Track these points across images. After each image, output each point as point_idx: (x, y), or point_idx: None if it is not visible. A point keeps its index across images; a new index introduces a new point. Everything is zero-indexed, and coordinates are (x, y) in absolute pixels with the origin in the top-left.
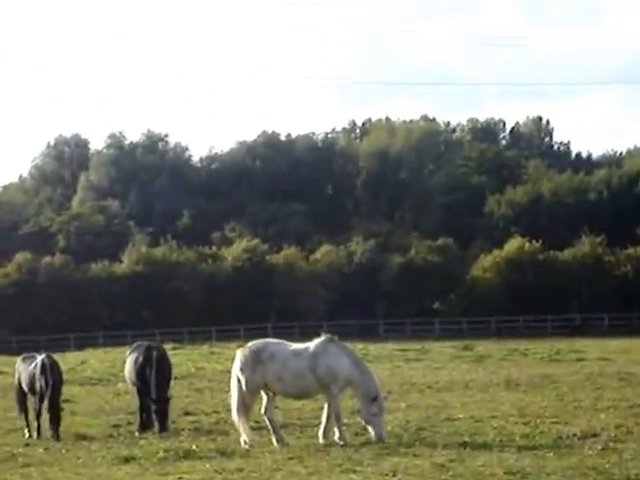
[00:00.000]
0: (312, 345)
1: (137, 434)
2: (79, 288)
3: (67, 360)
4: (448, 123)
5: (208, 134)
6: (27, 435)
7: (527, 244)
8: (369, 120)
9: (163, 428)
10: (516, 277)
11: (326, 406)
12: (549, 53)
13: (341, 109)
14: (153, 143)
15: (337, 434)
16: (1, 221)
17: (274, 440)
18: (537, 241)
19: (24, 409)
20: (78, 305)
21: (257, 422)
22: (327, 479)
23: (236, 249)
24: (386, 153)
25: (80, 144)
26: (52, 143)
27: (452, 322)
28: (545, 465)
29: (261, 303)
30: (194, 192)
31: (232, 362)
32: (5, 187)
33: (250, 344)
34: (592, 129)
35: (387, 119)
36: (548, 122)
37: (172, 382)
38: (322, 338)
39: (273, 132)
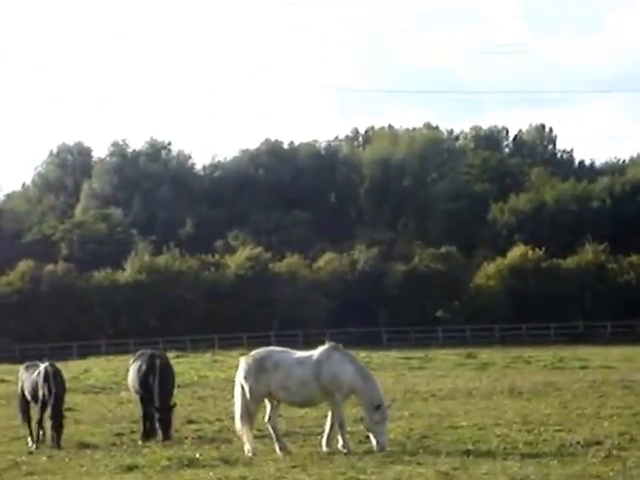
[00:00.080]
0: (316, 353)
1: (140, 442)
2: (82, 296)
3: (70, 368)
4: (451, 131)
5: (211, 142)
6: (30, 443)
7: (530, 252)
8: (372, 128)
9: (166, 436)
10: (519, 285)
11: (330, 414)
12: (552, 61)
13: (344, 117)
14: (156, 151)
15: (341, 442)
16: (4, 229)
17: (277, 448)
18: (540, 249)
19: (27, 418)
20: (81, 313)
21: (260, 430)
22: None
23: (239, 257)
24: (389, 161)
25: (83, 152)
26: (55, 151)
27: (455, 330)
28: (549, 473)
29: (264, 311)
30: (197, 200)
31: (235, 370)
32: (8, 195)
33: (254, 352)
34: (595, 137)
35: (390, 127)
36: (551, 130)
37: (175, 390)
38: (326, 346)
39: (276, 140)
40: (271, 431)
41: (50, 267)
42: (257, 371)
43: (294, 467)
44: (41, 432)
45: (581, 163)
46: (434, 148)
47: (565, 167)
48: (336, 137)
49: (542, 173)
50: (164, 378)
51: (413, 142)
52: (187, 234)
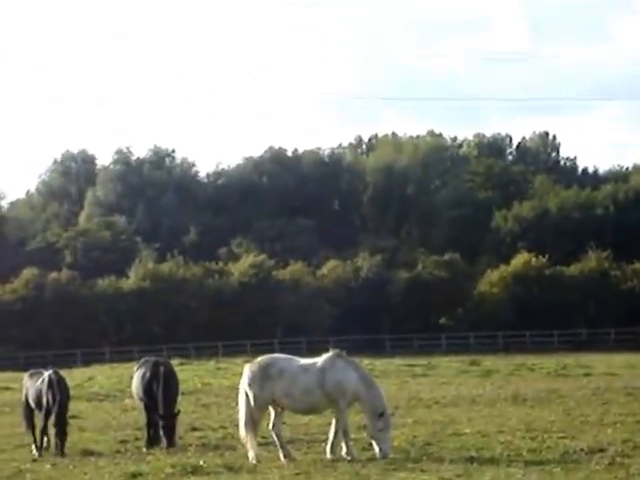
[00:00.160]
0: (320, 360)
1: (144, 450)
2: (86, 304)
3: (74, 376)
4: (455, 138)
5: (215, 150)
6: (34, 451)
7: (534, 259)
8: (375, 136)
9: (170, 444)
10: (523, 292)
11: (334, 421)
12: (555, 69)
13: (347, 125)
14: (160, 159)
15: (344, 449)
16: (8, 237)
17: (281, 455)
18: (544, 256)
19: (31, 425)
20: (85, 321)
21: (264, 437)
22: None
23: (243, 265)
24: (392, 168)
25: (87, 160)
26: (59, 159)
27: (459, 337)
28: None
29: (268, 318)
30: (201, 208)
31: (239, 378)
32: (12, 203)
33: (258, 359)
34: (598, 144)
35: (393, 134)
36: (554, 137)
37: (179, 398)
38: (330, 353)
39: (280, 148)
40: (275, 438)
41: (54, 275)
42: (261, 378)
43: (298, 474)
44: (45, 439)
45: (584, 170)
46: (437, 155)
47: (568, 174)
48: (340, 144)
49: (545, 180)
50: (168, 385)
51: (416, 150)
52: (191, 241)
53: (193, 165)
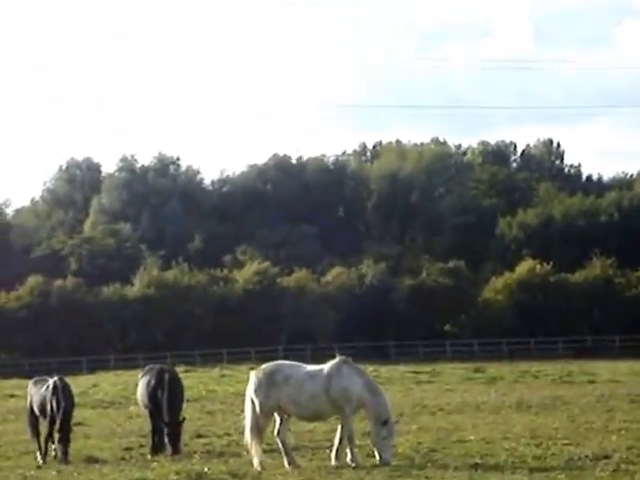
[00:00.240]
0: (326, 367)
1: (149, 457)
2: (91, 311)
3: (79, 383)
4: (459, 146)
5: (219, 157)
6: (39, 458)
7: (538, 266)
8: (380, 143)
9: (175, 451)
10: (527, 299)
11: (339, 428)
12: (559, 76)
13: (351, 132)
14: (165, 166)
15: (349, 456)
16: (13, 244)
17: (286, 462)
18: (548, 263)
19: (36, 432)
20: (90, 328)
21: (269, 444)
22: None
23: (247, 272)
24: (397, 176)
25: (92, 167)
26: (64, 167)
27: (463, 344)
28: None
29: (272, 325)
30: (205, 215)
31: (244, 384)
32: (17, 210)
33: (264, 366)
34: (603, 151)
35: (398, 142)
36: (559, 145)
37: (184, 405)
38: (336, 360)
39: (284, 155)
40: (280, 445)
41: (59, 282)
42: (267, 385)
43: None
44: (53, 447)
45: (589, 178)
46: (442, 163)
47: (573, 182)
48: (344, 152)
49: (550, 188)
50: (173, 392)
51: (421, 157)
52: (196, 249)
53: (198, 172)
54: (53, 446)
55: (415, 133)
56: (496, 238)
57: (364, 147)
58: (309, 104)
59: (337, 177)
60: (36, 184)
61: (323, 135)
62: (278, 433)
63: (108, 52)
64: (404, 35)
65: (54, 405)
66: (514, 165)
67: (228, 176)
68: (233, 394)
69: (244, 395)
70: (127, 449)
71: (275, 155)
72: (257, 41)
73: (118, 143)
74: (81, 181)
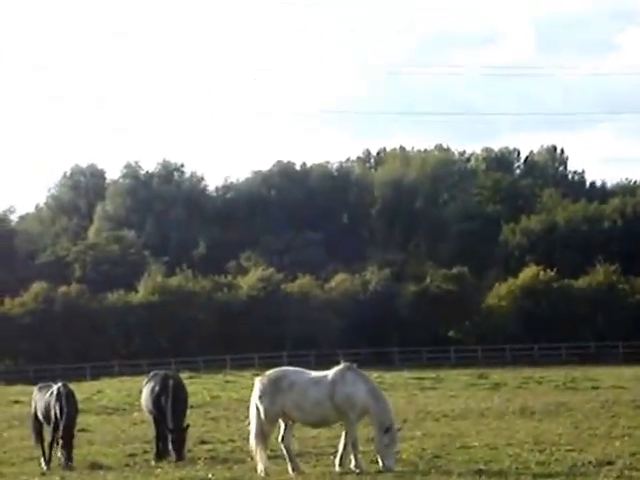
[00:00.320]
0: (331, 373)
1: (153, 463)
2: (95, 317)
3: (83, 389)
4: (463, 152)
5: (223, 164)
6: (43, 464)
7: (542, 272)
8: (384, 149)
9: (179, 457)
10: (531, 305)
11: (343, 434)
12: (563, 83)
13: (355, 138)
14: (169, 173)
15: (353, 462)
16: (18, 251)
17: (290, 468)
18: (552, 269)
19: (40, 439)
20: (94, 334)
21: (273, 450)
22: None
23: (251, 278)
24: (401, 182)
25: (96, 174)
26: (68, 173)
27: (467, 350)
28: None
29: (276, 332)
30: (209, 221)
31: (248, 391)
32: (22, 217)
33: (269, 372)
34: (606, 158)
35: (402, 148)
36: (562, 151)
37: (188, 411)
38: (341, 366)
39: (288, 162)
40: (284, 451)
41: (63, 288)
42: (272, 391)
43: None
44: (59, 453)
45: (592, 184)
46: (446, 169)
47: (576, 188)
48: (348, 158)
49: (553, 194)
50: (177, 399)
51: (425, 163)
52: (200, 255)
53: (202, 179)
54: (58, 452)
55: (418, 140)
56: (500, 244)
57: (368, 153)
58: (309, 108)
59: (341, 183)
60: (40, 191)
61: (325, 140)
62: (282, 439)
63: (108, 52)
64: (407, 42)
65: (58, 411)
66: (518, 172)
67: (232, 182)
68: (237, 400)
69: (248, 401)
70: (131, 455)
71: (279, 161)
72: (257, 41)
73: (122, 149)
74: (85, 187)
